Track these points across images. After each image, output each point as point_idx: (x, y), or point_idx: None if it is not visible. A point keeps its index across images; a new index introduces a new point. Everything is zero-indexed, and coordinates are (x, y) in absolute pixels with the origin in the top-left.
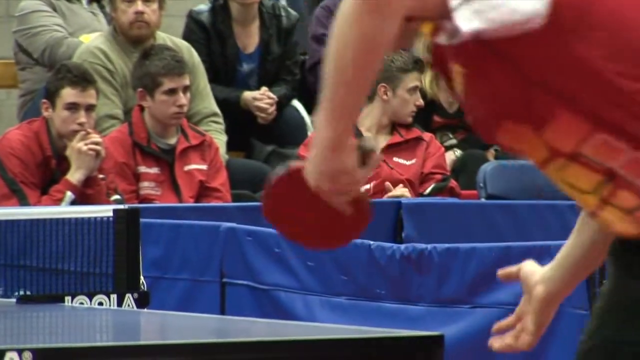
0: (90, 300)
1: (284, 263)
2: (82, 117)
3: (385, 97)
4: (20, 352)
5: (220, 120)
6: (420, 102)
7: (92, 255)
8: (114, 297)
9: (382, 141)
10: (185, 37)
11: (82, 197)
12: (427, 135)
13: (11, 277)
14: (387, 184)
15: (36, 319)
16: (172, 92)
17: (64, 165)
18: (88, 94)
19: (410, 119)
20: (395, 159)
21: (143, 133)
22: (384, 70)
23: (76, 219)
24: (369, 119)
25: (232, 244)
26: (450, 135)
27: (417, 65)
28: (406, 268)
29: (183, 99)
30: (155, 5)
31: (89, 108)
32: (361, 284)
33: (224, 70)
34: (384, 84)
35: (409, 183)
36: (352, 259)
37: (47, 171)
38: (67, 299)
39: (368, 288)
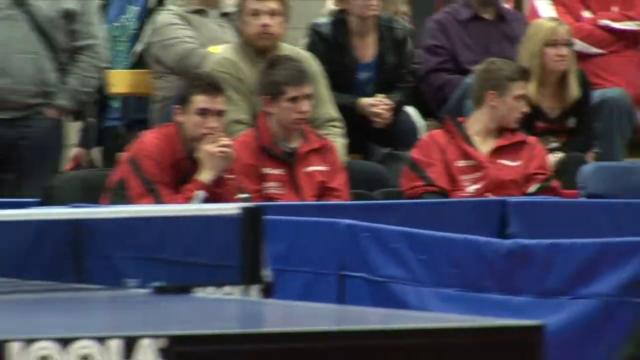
0: (219, 290)
1: (398, 257)
2: (212, 122)
3: (493, 103)
4: (156, 338)
5: (340, 124)
6: (526, 108)
7: (220, 249)
8: (240, 288)
9: (490, 144)
10: (307, 48)
11: (212, 195)
12: (531, 139)
13: (147, 270)
14: None
15: (169, 308)
16: (295, 99)
17: (195, 166)
18: (218, 101)
19: (515, 124)
20: (501, 161)
21: (268, 137)
22: (493, 79)
23: (206, 216)
24: (478, 123)
25: (350, 239)
26: (552, 139)
27: (524, 75)
28: (511, 262)
29: (305, 106)
30: (280, 19)
31: (219, 113)
32: (469, 276)
33: (343, 79)
34: (492, 92)
35: (514, 183)
36: (461, 254)
37: (179, 172)
38: (198, 290)
39: (475, 280)
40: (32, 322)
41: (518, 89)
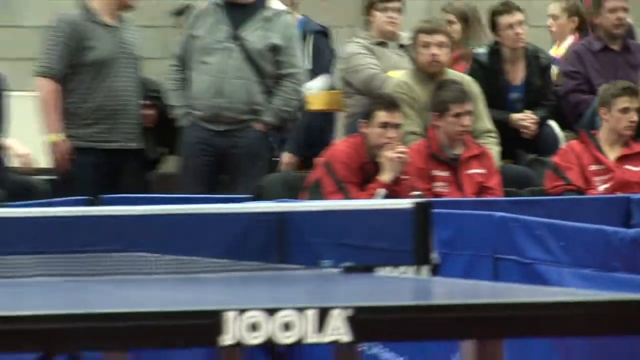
0: (396, 270)
1: (542, 243)
2: (391, 133)
3: (605, 117)
4: (344, 308)
5: (495, 135)
6: (634, 118)
7: (397, 236)
8: (413, 268)
9: (617, 152)
10: (468, 73)
11: (391, 193)
12: None
13: (338, 253)
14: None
15: (355, 284)
16: (458, 115)
17: (377, 169)
18: (396, 116)
19: (627, 132)
20: (626, 166)
21: (436, 145)
22: (603, 97)
23: (385, 209)
24: (604, 135)
25: (502, 228)
26: None
27: (626, 91)
28: (634, 247)
29: (466, 120)
30: (446, 49)
31: (396, 126)
32: (600, 259)
33: (497, 98)
34: (603, 108)
35: (636, 184)
36: (594, 240)
37: (364, 173)
38: (378, 269)
39: (606, 262)
40: (243, 295)
41: (621, 103)
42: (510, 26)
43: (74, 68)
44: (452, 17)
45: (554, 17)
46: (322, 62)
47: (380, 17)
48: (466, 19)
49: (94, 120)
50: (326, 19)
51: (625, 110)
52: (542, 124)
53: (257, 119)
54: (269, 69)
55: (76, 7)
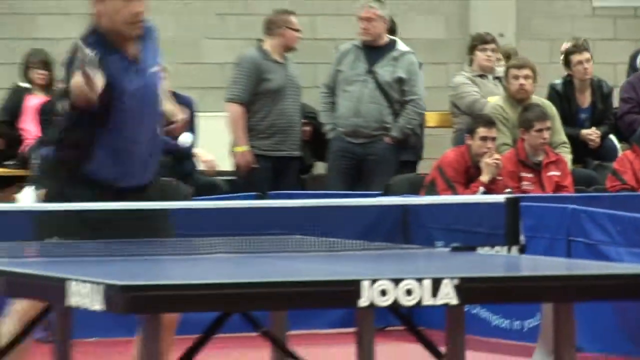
0: (492, 249)
1: (604, 228)
2: (489, 144)
3: None
4: (452, 278)
5: (568, 146)
6: None
7: (493, 223)
8: (505, 248)
9: None
10: (548, 98)
11: (488, 190)
12: None
13: (448, 236)
14: None
15: (462, 260)
16: (540, 130)
17: (478, 172)
18: (492, 131)
19: None
20: None
21: (523, 154)
22: None
23: (485, 202)
24: None
25: (574, 218)
26: None
27: None
28: None
29: (546, 134)
30: (530, 80)
31: (493, 139)
32: None
33: (570, 118)
34: None
35: None
36: None
37: (468, 175)
38: (479, 248)
39: None
40: (375, 269)
41: None
42: (580, 62)
43: (255, 95)
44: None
45: None
46: None
47: (480, 56)
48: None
49: (269, 134)
50: (441, 56)
51: None
52: (604, 137)
53: (386, 134)
54: (396, 96)
55: (254, 48)
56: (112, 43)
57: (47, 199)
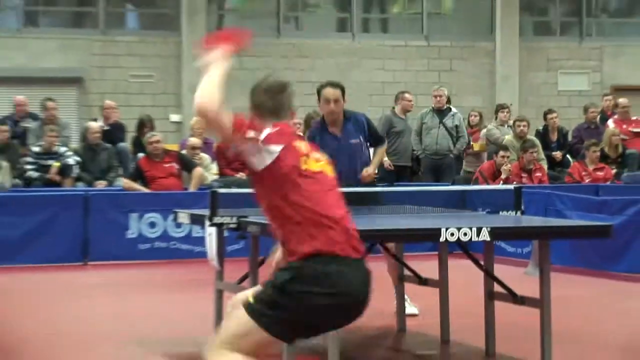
0: (507, 213)
1: (563, 202)
2: (505, 160)
3: None
4: (486, 227)
5: (545, 161)
6: None
7: (507, 199)
8: (513, 212)
9: None
10: (535, 136)
11: (505, 183)
12: None
13: (485, 206)
14: None
15: (492, 218)
16: (531, 153)
17: (499, 173)
18: (507, 153)
19: None
20: None
21: (522, 164)
22: None
23: (503, 189)
24: None
25: (549, 197)
26: None
27: None
28: None
29: (534, 155)
30: (526, 128)
31: (508, 157)
32: None
33: (546, 146)
34: None
35: None
36: None
37: (494, 175)
38: (501, 212)
39: None
40: (448, 222)
41: None
42: (552, 118)
43: (388, 135)
44: None
45: None
46: None
47: (500, 115)
48: None
49: (395, 153)
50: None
51: None
52: (564, 156)
53: (451, 153)
54: (455, 135)
55: (390, 111)
56: (326, 125)
57: None
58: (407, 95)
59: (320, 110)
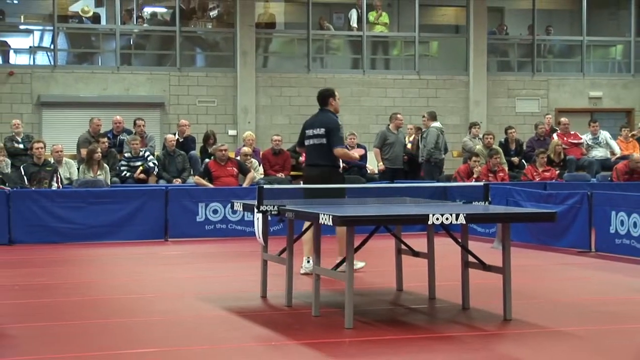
0: (478, 203)
1: (520, 194)
2: (476, 163)
3: None
4: (463, 213)
5: (506, 164)
6: None
7: (478, 193)
8: (483, 202)
9: None
10: (499, 146)
11: (476, 181)
12: None
13: (462, 197)
14: None
15: (467, 207)
16: (495, 158)
17: (472, 173)
18: (478, 158)
19: None
20: None
21: (489, 167)
22: None
23: (475, 185)
24: None
25: (509, 191)
26: None
27: None
28: None
29: (498, 160)
30: (492, 140)
31: (478, 161)
32: None
33: (506, 153)
34: None
35: None
36: None
37: (469, 175)
38: (474, 202)
39: None
40: (434, 209)
41: None
42: (511, 133)
43: (384, 145)
44: None
45: None
46: None
47: (473, 130)
48: None
49: (390, 159)
50: (458, 129)
51: None
52: (520, 161)
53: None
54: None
55: (385, 127)
56: None
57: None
58: (398, 115)
59: (337, 108)
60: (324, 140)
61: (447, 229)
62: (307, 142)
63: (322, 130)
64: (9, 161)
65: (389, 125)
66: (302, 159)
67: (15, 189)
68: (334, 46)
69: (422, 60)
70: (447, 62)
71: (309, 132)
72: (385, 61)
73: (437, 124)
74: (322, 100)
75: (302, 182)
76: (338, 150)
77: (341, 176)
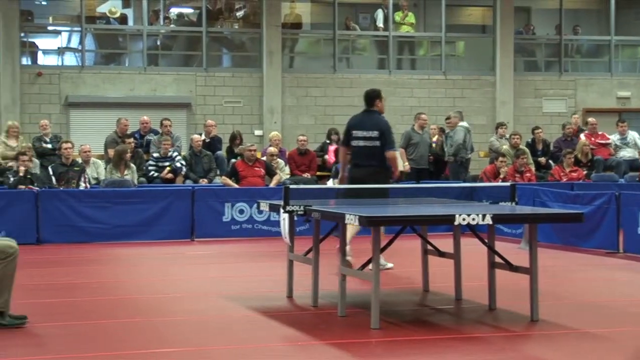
0: (506, 203)
1: (547, 195)
2: (503, 163)
3: None
4: (490, 214)
5: (533, 165)
6: None
7: (505, 193)
8: (510, 202)
9: None
10: (525, 146)
11: (503, 181)
12: None
13: (489, 198)
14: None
15: (494, 207)
16: (522, 158)
17: (499, 174)
18: (505, 158)
19: None
20: None
21: (516, 167)
22: None
23: (503, 185)
24: None
25: (535, 191)
26: None
27: None
28: None
29: (525, 160)
30: (519, 140)
31: (505, 162)
32: None
33: (533, 153)
34: None
35: None
36: None
37: (496, 175)
38: (501, 202)
39: None
40: (461, 210)
41: None
42: (538, 133)
43: (408, 145)
44: None
45: None
46: None
47: (500, 130)
48: None
49: (415, 159)
50: (485, 129)
51: None
52: (547, 161)
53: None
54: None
55: (410, 128)
56: None
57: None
58: (422, 115)
59: (382, 109)
60: (377, 143)
61: (473, 230)
62: (354, 143)
63: (375, 133)
64: (37, 161)
65: (413, 125)
66: (328, 158)
67: (43, 188)
68: (360, 46)
69: (448, 60)
70: (473, 62)
71: (358, 133)
72: (411, 61)
73: (464, 123)
74: (368, 101)
75: (348, 183)
76: (392, 153)
77: (389, 176)
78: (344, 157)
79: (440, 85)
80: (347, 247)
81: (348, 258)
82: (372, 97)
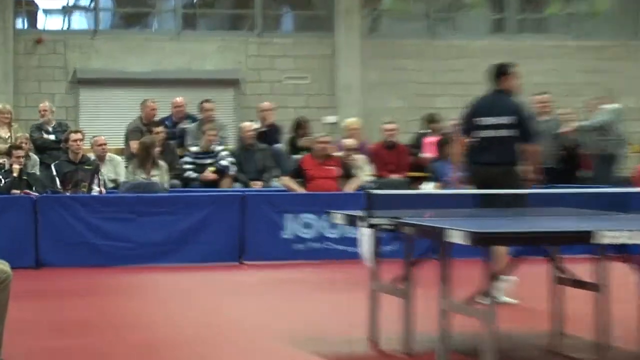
0: None
1: None
2: None
3: None
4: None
5: None
6: None
7: None
8: None
9: None
10: None
11: None
12: None
13: None
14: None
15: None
16: None
17: None
18: None
19: None
20: None
21: None
22: None
23: None
24: None
25: None
26: None
27: None
28: None
29: None
30: None
31: None
32: None
33: None
34: None
35: None
36: None
37: None
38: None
39: None
40: (598, 225)
41: None
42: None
43: None
44: None
45: None
46: None
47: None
48: None
49: None
50: None
51: None
52: None
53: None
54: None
55: None
56: None
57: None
58: (544, 96)
59: (513, 88)
60: (513, 132)
61: (623, 252)
62: (482, 134)
63: (510, 119)
64: (36, 158)
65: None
66: (425, 154)
67: (44, 194)
68: (467, 2)
69: (585, 21)
70: (621, 23)
71: (486, 120)
72: (537, 22)
73: (613, 105)
74: (496, 79)
75: (474, 187)
76: (536, 147)
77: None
78: (460, 151)
79: (575, 55)
80: (505, 283)
81: (506, 299)
82: (498, 73)
